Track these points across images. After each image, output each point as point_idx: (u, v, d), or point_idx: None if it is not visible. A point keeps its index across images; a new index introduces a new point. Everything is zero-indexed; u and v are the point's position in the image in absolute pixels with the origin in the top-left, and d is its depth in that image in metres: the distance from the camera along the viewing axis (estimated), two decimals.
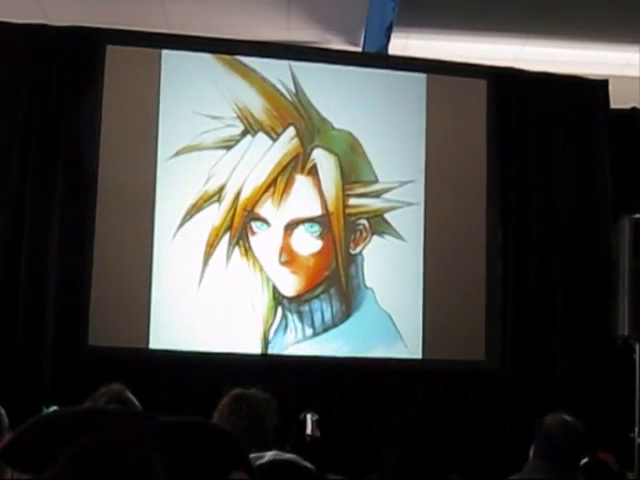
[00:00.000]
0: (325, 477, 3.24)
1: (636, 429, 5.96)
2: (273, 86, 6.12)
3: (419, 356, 6.17)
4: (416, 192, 6.29)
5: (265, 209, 6.05)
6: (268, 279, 5.98)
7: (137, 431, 0.73)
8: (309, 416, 4.71)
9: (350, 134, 6.23)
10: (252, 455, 2.85)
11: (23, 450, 0.84)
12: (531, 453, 3.51)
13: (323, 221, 6.13)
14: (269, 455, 3.00)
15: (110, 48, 5.94)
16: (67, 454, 0.73)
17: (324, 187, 6.14)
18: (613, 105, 6.72)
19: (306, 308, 6.04)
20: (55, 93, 5.87)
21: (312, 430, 4.66)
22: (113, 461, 0.71)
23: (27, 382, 5.55)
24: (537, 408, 4.97)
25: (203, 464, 0.73)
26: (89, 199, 5.79)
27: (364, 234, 6.19)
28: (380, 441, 3.43)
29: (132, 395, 3.41)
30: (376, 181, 6.24)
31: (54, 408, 3.40)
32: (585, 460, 3.74)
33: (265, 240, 6.02)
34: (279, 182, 6.08)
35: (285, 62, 6.16)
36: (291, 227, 6.07)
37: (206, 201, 5.97)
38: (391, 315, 6.16)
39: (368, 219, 6.20)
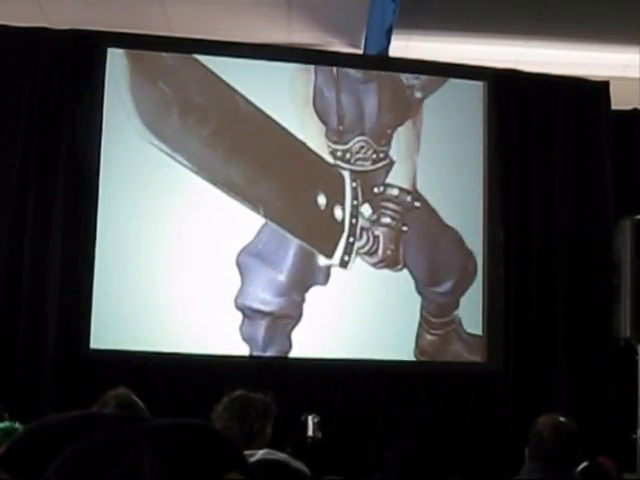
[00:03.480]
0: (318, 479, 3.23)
1: (638, 430, 5.95)
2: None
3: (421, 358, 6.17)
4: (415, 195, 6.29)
5: None
6: None
7: (129, 434, 0.73)
8: (310, 418, 4.71)
9: None
10: (245, 452, 2.85)
11: (20, 457, 0.83)
12: (526, 456, 3.51)
13: None
14: (260, 454, 3.00)
15: (111, 51, 5.95)
16: (60, 459, 0.73)
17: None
18: (614, 106, 6.72)
19: None
20: (56, 96, 5.87)
21: (313, 432, 4.65)
22: (105, 465, 0.71)
23: (29, 385, 5.55)
24: (539, 410, 4.95)
25: (196, 466, 0.72)
26: (90, 202, 5.79)
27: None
28: (383, 443, 3.43)
29: (137, 399, 3.43)
30: None
31: (4, 424, 3.44)
32: (584, 464, 3.74)
33: None
34: None
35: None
36: None
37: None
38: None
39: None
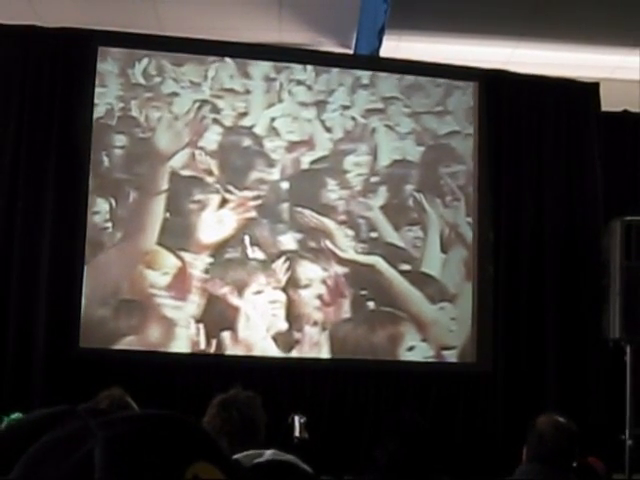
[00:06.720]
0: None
1: (627, 431, 5.97)
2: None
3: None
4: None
5: None
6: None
7: (91, 426, 0.71)
8: (297, 418, 4.72)
9: None
10: (250, 452, 2.84)
11: None
12: (524, 456, 3.50)
13: None
14: (268, 454, 2.97)
15: (102, 49, 5.94)
16: (24, 456, 0.72)
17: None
18: (604, 108, 6.74)
19: None
20: (47, 94, 5.86)
21: (300, 432, 4.66)
22: (61, 458, 0.70)
23: (18, 384, 5.53)
24: (529, 410, 4.98)
25: (152, 456, 0.69)
26: (81, 202, 5.78)
27: None
28: (371, 443, 3.42)
29: (131, 400, 3.40)
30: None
31: (16, 415, 3.39)
32: (573, 465, 3.74)
33: None
34: None
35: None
36: None
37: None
38: None
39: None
